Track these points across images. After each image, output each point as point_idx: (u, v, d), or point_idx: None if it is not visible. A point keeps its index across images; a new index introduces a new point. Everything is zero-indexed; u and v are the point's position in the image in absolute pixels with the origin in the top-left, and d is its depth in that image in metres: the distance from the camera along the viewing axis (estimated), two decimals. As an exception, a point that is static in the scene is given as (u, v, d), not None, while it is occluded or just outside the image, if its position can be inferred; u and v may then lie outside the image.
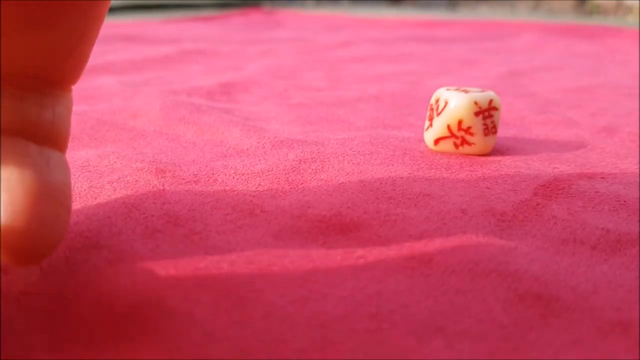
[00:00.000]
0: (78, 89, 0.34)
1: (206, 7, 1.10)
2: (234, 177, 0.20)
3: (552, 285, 0.14)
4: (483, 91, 0.23)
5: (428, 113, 0.24)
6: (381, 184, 0.20)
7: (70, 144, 0.24)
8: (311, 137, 0.25)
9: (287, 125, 0.28)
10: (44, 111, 0.13)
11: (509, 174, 0.21)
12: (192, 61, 0.47)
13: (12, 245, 0.11)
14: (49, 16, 0.12)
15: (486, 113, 0.23)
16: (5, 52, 0.12)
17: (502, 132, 0.27)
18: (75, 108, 0.29)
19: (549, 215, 0.18)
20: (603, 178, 0.21)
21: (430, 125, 0.23)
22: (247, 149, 0.23)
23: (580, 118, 0.30)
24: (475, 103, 0.22)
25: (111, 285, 0.13)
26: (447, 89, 0.23)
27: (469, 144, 0.23)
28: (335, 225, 0.17)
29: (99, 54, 0.48)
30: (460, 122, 0.22)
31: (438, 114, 0.23)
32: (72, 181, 0.19)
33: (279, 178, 0.20)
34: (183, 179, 0.20)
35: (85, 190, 0.19)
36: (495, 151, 0.24)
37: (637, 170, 0.22)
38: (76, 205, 0.18)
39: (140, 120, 0.28)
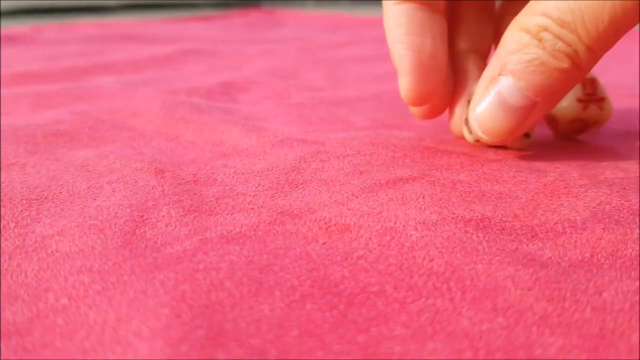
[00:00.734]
0: (77, 88, 0.34)
1: (206, 6, 1.10)
2: (233, 177, 0.20)
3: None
4: None
5: None
6: (381, 184, 0.19)
7: (69, 144, 0.24)
8: (311, 136, 0.25)
9: (287, 125, 0.28)
10: None
11: (509, 174, 0.21)
12: (192, 61, 0.47)
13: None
14: None
15: None
16: None
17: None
18: (74, 108, 0.29)
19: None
20: (604, 178, 0.21)
21: None
22: (247, 149, 0.23)
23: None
24: None
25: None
26: None
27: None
28: (335, 225, 0.17)
29: (99, 53, 0.48)
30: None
31: None
32: (71, 181, 0.19)
33: (278, 178, 0.20)
34: (182, 178, 0.20)
35: (84, 190, 0.19)
36: (496, 151, 0.24)
37: (638, 170, 0.22)
38: (76, 205, 0.17)
39: (139, 120, 0.28)
